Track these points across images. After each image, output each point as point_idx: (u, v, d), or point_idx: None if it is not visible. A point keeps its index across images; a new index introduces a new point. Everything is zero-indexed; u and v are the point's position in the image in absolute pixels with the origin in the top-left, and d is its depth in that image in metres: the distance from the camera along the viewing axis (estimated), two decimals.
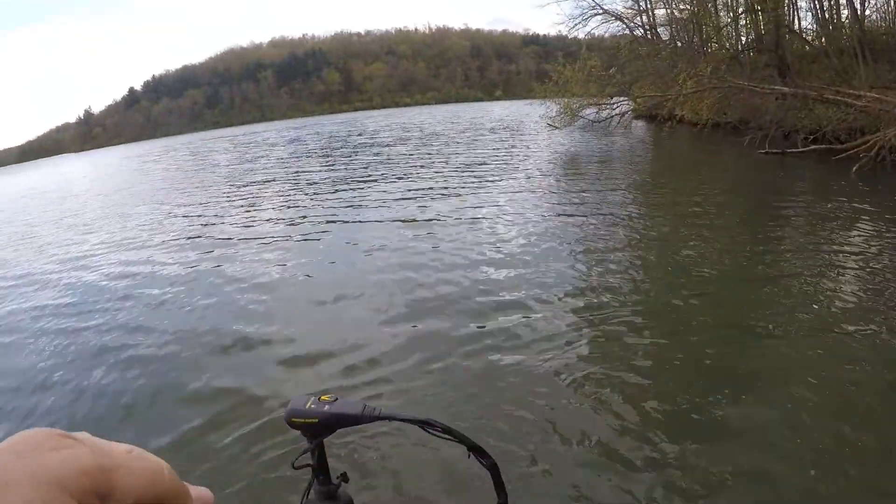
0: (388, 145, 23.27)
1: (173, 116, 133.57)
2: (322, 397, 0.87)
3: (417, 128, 33.94)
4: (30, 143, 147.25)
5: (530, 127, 24.97)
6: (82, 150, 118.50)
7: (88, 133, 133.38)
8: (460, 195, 10.48)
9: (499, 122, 31.78)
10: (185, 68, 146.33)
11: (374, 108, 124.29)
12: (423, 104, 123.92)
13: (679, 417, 3.15)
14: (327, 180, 14.40)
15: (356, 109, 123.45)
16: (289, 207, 11.08)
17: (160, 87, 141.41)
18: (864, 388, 3.28)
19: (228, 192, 14.07)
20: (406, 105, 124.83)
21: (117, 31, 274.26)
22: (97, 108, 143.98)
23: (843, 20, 16.80)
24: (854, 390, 3.25)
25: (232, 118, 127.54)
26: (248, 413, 3.51)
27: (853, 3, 15.36)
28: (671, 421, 3.12)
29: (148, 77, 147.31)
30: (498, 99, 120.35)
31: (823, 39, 17.60)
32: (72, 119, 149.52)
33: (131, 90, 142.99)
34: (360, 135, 32.45)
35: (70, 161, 67.25)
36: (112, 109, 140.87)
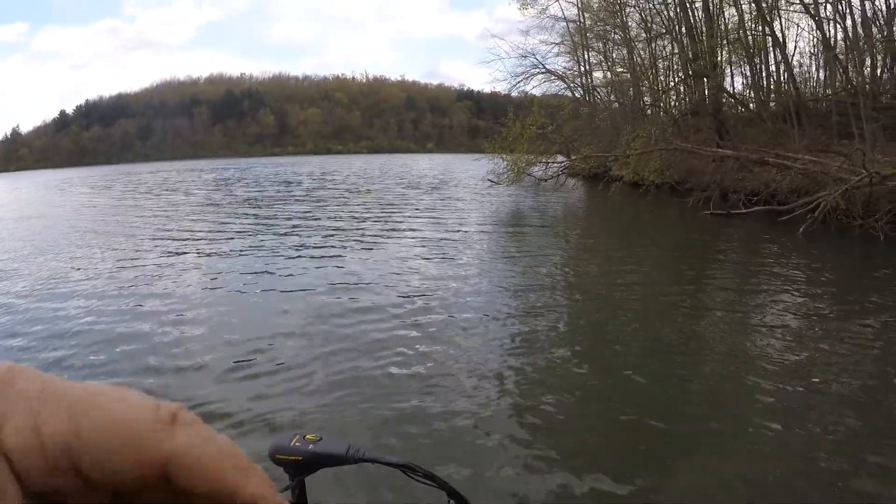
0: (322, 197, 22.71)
1: (103, 145, 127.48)
2: (307, 436, 0.89)
3: (348, 177, 33.62)
4: None
5: (470, 183, 24.95)
6: (6, 170, 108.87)
7: (14, 153, 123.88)
8: (396, 241, 10.44)
9: (436, 177, 31.77)
10: (120, 97, 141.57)
11: (306, 153, 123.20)
12: (356, 153, 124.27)
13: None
14: (261, 222, 13.60)
15: (289, 153, 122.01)
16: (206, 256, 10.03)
17: (92, 114, 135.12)
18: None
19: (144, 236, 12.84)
20: (338, 152, 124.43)
21: (54, 50, 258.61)
22: (25, 128, 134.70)
23: (771, 86, 18.16)
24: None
25: (164, 152, 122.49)
26: None
27: (791, 70, 16.64)
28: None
29: (81, 101, 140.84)
30: (430, 151, 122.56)
31: (752, 105, 18.87)
32: None
33: (62, 113, 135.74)
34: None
35: None
36: (41, 131, 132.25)
